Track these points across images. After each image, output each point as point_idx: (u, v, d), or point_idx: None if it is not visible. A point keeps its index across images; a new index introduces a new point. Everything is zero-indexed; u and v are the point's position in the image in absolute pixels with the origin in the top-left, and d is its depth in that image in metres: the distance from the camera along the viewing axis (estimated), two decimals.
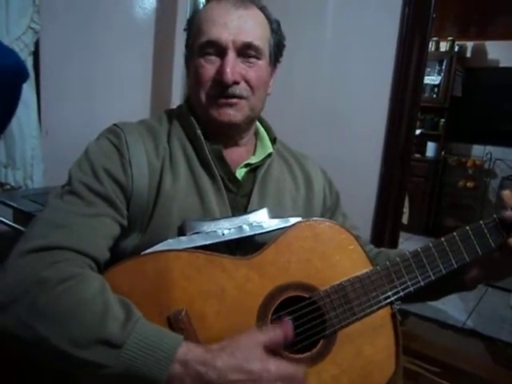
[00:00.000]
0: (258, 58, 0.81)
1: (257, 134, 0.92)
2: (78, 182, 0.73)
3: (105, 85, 1.81)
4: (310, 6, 2.03)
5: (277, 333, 0.64)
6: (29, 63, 1.69)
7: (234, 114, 0.81)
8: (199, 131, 0.82)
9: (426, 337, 2.34)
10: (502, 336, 2.58)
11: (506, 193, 0.81)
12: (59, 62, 1.77)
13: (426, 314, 2.57)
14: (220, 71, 0.78)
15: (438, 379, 1.97)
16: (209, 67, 0.80)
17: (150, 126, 0.84)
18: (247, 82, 0.81)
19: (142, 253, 0.71)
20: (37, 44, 1.73)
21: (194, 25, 0.83)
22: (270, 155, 0.89)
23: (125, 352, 0.58)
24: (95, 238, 0.70)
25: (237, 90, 0.80)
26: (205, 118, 0.83)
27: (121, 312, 0.61)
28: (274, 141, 0.92)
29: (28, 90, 1.69)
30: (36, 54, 1.75)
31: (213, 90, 0.80)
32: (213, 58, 0.80)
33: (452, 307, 2.85)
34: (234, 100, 0.80)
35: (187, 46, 0.87)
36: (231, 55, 0.78)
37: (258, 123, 0.93)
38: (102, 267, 0.71)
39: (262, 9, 0.85)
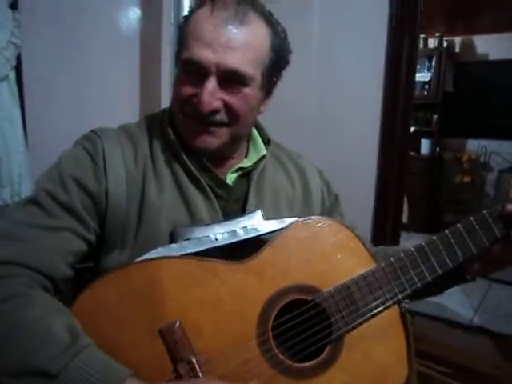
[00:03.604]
0: (244, 85, 0.72)
1: (249, 135, 0.87)
2: (42, 191, 0.68)
3: (92, 96, 1.77)
4: (297, 2, 2.01)
5: None
6: (11, 78, 1.65)
7: (210, 141, 0.75)
8: (177, 143, 0.77)
9: (433, 336, 2.30)
10: (510, 331, 2.53)
11: None
12: (44, 75, 1.73)
13: (432, 313, 2.53)
14: (198, 98, 0.71)
15: (450, 380, 1.92)
16: (188, 86, 0.73)
17: (130, 131, 0.79)
18: (229, 108, 0.73)
19: (130, 262, 0.66)
20: (19, 59, 1.69)
21: (184, 31, 0.75)
22: (263, 157, 0.84)
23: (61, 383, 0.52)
24: (50, 254, 0.65)
25: (216, 117, 0.73)
26: (182, 135, 0.78)
27: (64, 338, 0.56)
28: (267, 142, 0.88)
29: (12, 106, 1.65)
30: (19, 69, 1.71)
31: (190, 112, 0.74)
32: (194, 77, 0.72)
33: (457, 304, 2.80)
34: (211, 128, 0.74)
35: (177, 48, 0.79)
36: (212, 81, 0.71)
37: None
38: (62, 286, 0.66)
39: (266, 17, 0.74)
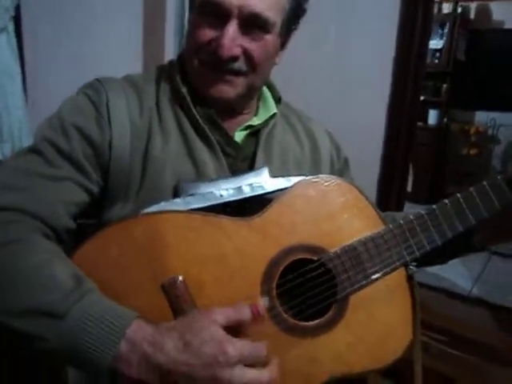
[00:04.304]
0: (265, 32, 0.69)
1: (259, 92, 0.83)
2: (43, 140, 0.66)
3: (93, 50, 1.71)
4: None
5: (242, 311, 0.57)
6: (10, 30, 1.59)
7: (226, 90, 0.72)
8: (186, 93, 0.73)
9: (432, 306, 2.32)
10: (507, 303, 2.55)
11: None
12: (43, 27, 1.67)
13: (431, 283, 2.54)
14: (217, 42, 0.67)
15: (447, 348, 1.94)
16: (206, 30, 0.69)
17: (136, 82, 0.75)
18: (248, 56, 0.70)
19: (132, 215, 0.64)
20: (18, 9, 1.62)
21: None
22: (273, 116, 0.81)
23: (66, 324, 0.52)
24: (52, 203, 0.63)
25: (234, 65, 0.70)
26: (195, 84, 0.74)
27: (69, 282, 0.55)
28: (278, 100, 0.84)
29: (11, 59, 1.60)
30: (17, 21, 1.65)
31: (207, 58, 0.70)
32: (212, 20, 0.68)
33: (457, 275, 2.82)
34: (229, 76, 0.71)
35: None
36: (233, 25, 0.67)
37: None
38: (64, 236, 0.65)
39: None
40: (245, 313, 0.57)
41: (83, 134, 0.67)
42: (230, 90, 0.72)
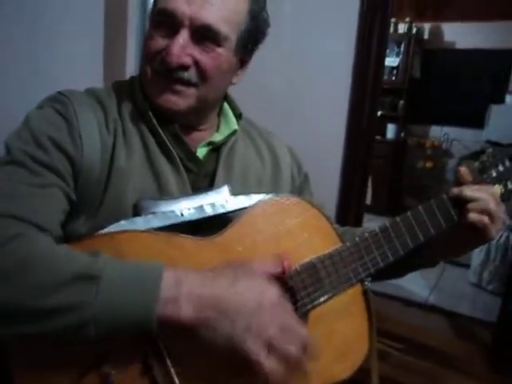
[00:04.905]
0: (217, 45, 0.69)
1: (220, 109, 0.84)
2: (18, 151, 0.63)
3: (50, 60, 1.67)
4: None
5: (275, 266, 0.65)
6: None
7: (175, 100, 0.71)
8: (148, 109, 0.73)
9: (390, 315, 2.38)
10: (462, 310, 2.66)
11: (462, 169, 0.80)
12: (2, 38, 1.62)
13: (389, 292, 2.62)
14: (166, 50, 0.68)
15: (405, 356, 2.00)
16: (159, 40, 0.69)
17: (99, 95, 0.74)
18: (199, 67, 0.70)
19: (93, 234, 0.63)
20: None
21: None
22: (234, 132, 0.82)
23: (105, 281, 0.51)
24: (47, 210, 0.61)
25: (184, 74, 0.69)
26: (148, 95, 0.74)
27: (87, 254, 0.54)
28: (239, 116, 0.85)
29: None
30: None
31: (158, 67, 0.70)
32: (165, 30, 0.69)
33: (414, 284, 2.91)
34: (178, 87, 0.70)
35: (152, 7, 0.75)
36: (183, 34, 0.67)
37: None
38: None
39: None
40: (277, 266, 0.66)
41: (57, 145, 0.65)
42: (179, 100, 0.71)
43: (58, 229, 0.63)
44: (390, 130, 4.65)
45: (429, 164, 4.63)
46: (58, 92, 0.72)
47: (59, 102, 0.70)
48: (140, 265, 0.55)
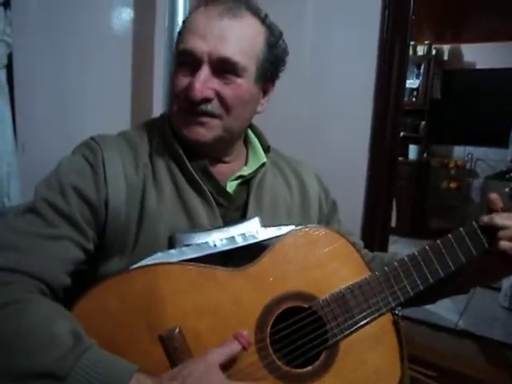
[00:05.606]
0: (237, 76, 0.73)
1: (248, 142, 0.87)
2: (41, 200, 0.68)
3: (82, 99, 1.75)
4: (290, 9, 2.02)
5: (232, 345, 0.63)
6: (2, 77, 1.63)
7: (202, 133, 0.74)
8: (178, 147, 0.76)
9: (419, 340, 2.32)
10: (493, 335, 2.58)
11: (493, 196, 0.80)
12: (35, 75, 1.71)
13: (418, 317, 2.56)
14: (189, 86, 0.72)
15: (435, 383, 1.95)
16: (183, 78, 0.74)
17: (131, 139, 0.78)
18: (221, 99, 0.73)
19: (130, 267, 0.66)
20: (10, 57, 1.67)
21: (181, 30, 0.77)
22: (263, 165, 0.84)
23: None
24: (50, 262, 0.64)
25: (208, 107, 0.72)
26: (177, 131, 0.77)
27: (68, 340, 0.56)
28: (267, 149, 0.87)
29: (2, 104, 1.64)
30: (10, 68, 1.69)
31: (183, 103, 0.74)
32: (188, 68, 0.73)
33: (443, 308, 2.84)
34: (203, 119, 0.73)
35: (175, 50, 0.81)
36: (204, 70, 0.71)
37: (249, 131, 0.87)
38: (61, 294, 0.66)
39: (261, 17, 0.76)
40: (235, 345, 0.63)
41: (81, 195, 0.69)
42: (205, 132, 0.74)
43: (63, 278, 0.66)
44: (412, 151, 4.62)
45: (453, 184, 4.56)
46: (91, 137, 0.77)
47: (89, 148, 0.74)
48: (107, 372, 0.55)
